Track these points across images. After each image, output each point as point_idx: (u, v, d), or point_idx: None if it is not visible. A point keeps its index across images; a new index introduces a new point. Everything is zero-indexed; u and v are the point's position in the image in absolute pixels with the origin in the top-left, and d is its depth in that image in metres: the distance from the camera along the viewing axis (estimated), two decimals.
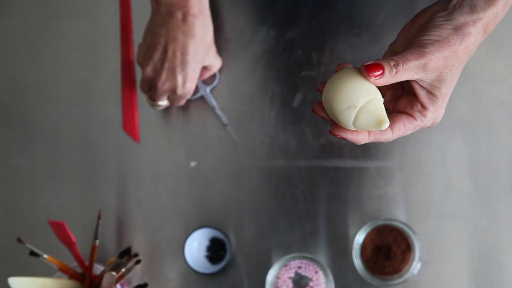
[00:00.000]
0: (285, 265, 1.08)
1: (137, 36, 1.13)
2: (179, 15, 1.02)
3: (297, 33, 1.12)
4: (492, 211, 1.09)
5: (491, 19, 0.76)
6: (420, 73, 0.75)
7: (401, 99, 0.79)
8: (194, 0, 1.01)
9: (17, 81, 1.16)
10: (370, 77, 0.74)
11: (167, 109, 1.13)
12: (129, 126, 1.14)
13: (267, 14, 1.12)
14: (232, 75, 1.13)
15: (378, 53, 1.09)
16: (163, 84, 1.05)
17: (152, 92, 1.08)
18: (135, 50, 1.14)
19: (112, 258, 1.10)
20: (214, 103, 1.12)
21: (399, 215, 1.09)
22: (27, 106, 1.15)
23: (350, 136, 0.76)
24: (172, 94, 1.08)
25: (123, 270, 1.00)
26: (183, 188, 1.12)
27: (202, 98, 1.13)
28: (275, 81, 1.12)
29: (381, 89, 0.77)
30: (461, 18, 0.76)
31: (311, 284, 1.08)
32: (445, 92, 0.76)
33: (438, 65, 0.75)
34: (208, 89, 1.13)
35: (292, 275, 1.08)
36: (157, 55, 1.04)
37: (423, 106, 0.77)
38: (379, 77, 0.74)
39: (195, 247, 1.11)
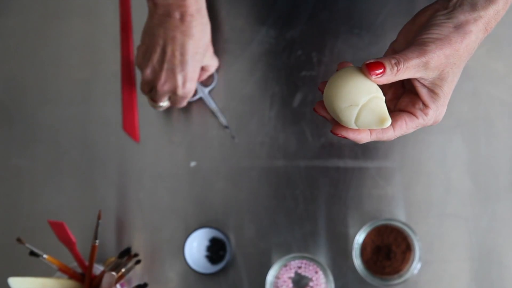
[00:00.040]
0: (285, 265, 1.08)
1: (137, 36, 1.13)
2: (176, 15, 1.02)
3: (297, 33, 1.12)
4: (492, 211, 1.09)
5: (492, 17, 0.76)
6: (422, 71, 0.75)
7: (402, 98, 0.79)
8: None
9: (17, 81, 1.16)
10: (372, 76, 0.74)
11: (167, 109, 1.13)
12: (129, 126, 1.14)
13: (267, 14, 1.12)
14: (232, 75, 1.13)
15: (378, 53, 1.09)
16: (163, 85, 1.05)
17: (152, 93, 1.08)
18: (135, 50, 1.14)
19: (112, 258, 1.09)
20: (213, 105, 1.12)
21: (399, 215, 1.09)
22: (27, 106, 1.15)
23: (351, 135, 0.76)
24: (173, 95, 1.08)
25: (123, 270, 1.00)
26: (183, 188, 1.12)
27: (201, 99, 1.13)
28: (275, 81, 1.12)
29: (382, 88, 0.77)
30: (462, 16, 0.76)
31: (311, 284, 1.08)
32: (447, 90, 0.77)
33: (440, 63, 0.75)
34: (206, 90, 1.12)
35: (292, 275, 1.08)
36: (156, 56, 1.04)
37: (425, 105, 0.77)
38: (381, 75, 0.74)
39: (195, 247, 1.11)
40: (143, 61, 1.06)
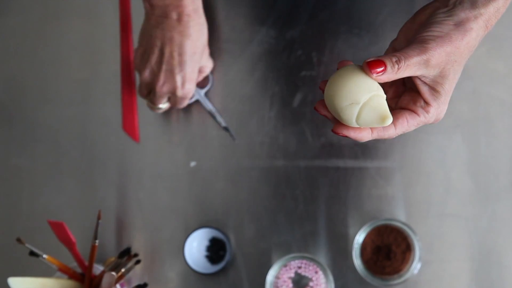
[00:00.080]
0: (285, 265, 1.08)
1: (137, 36, 1.12)
2: (174, 15, 1.01)
3: (297, 33, 1.12)
4: (492, 211, 1.09)
5: (492, 14, 0.76)
6: (422, 69, 0.75)
7: (403, 96, 0.79)
8: None
9: (17, 81, 1.16)
10: (372, 74, 0.74)
11: (167, 110, 1.13)
12: (129, 126, 1.14)
13: (266, 14, 1.12)
14: (231, 75, 1.13)
15: (378, 53, 1.09)
16: (162, 87, 1.05)
17: (151, 96, 1.08)
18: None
19: (112, 258, 1.09)
20: (210, 106, 1.12)
21: (399, 215, 1.09)
22: (27, 106, 1.15)
23: (353, 134, 0.76)
24: (173, 96, 1.07)
25: (122, 270, 1.00)
26: (183, 188, 1.12)
27: (198, 101, 1.12)
28: (275, 81, 1.12)
29: (383, 86, 0.77)
30: (462, 13, 0.76)
31: (311, 284, 1.08)
32: (448, 88, 0.77)
33: (440, 61, 0.75)
34: (202, 92, 1.12)
35: (292, 275, 1.08)
36: (154, 58, 1.04)
37: (426, 102, 0.77)
38: (381, 73, 0.74)
39: (195, 247, 1.11)
40: (141, 63, 1.05)
